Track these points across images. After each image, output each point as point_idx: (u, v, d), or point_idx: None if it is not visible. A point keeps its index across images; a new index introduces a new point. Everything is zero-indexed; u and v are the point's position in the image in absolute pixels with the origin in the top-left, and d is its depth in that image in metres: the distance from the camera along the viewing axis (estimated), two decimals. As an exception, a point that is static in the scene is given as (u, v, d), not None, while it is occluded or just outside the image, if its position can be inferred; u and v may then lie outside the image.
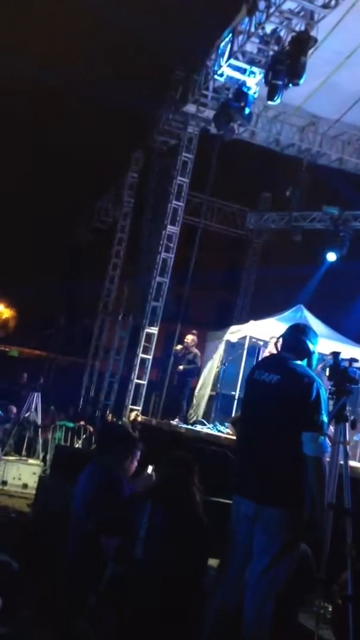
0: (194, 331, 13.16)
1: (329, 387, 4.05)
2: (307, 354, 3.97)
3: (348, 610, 3.59)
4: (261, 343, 12.44)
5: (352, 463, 4.80)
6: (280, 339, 4.10)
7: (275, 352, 4.31)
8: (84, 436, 12.61)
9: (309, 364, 3.98)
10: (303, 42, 9.11)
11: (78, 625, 4.09)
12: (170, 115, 14.29)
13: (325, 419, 3.68)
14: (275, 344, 4.11)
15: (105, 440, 5.69)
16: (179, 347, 12.70)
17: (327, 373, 4.12)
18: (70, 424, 12.94)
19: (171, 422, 12.01)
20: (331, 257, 14.71)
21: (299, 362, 3.92)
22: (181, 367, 12.39)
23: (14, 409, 12.78)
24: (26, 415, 12.38)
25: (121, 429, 7.82)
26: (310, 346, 3.99)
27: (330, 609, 4.14)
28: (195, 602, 3.87)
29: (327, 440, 3.71)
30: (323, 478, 3.66)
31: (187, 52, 12.88)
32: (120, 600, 3.93)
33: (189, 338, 12.50)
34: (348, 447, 4.06)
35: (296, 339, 4.01)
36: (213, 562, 4.27)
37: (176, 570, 3.85)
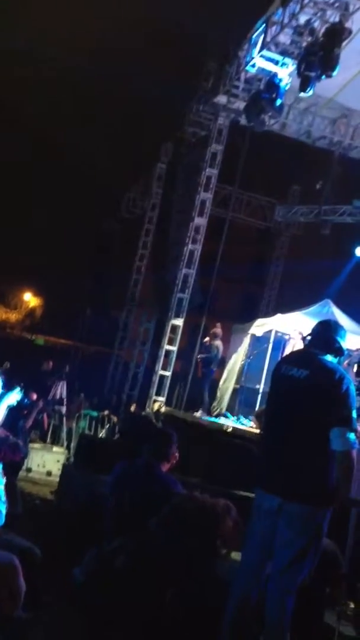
0: (218, 323, 13.18)
1: (357, 383, 4.02)
2: (336, 350, 3.94)
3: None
4: (287, 337, 12.37)
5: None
6: (309, 335, 4.06)
7: (301, 347, 4.27)
8: (108, 425, 12.70)
9: (338, 361, 3.95)
10: (337, 34, 8.98)
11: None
12: (201, 106, 14.22)
13: (354, 414, 3.65)
14: (303, 339, 4.07)
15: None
16: (207, 339, 12.83)
17: (355, 369, 4.08)
18: (95, 413, 13.05)
19: (194, 414, 12.02)
20: (360, 251, 14.57)
21: (328, 357, 3.89)
22: (199, 356, 12.61)
23: (35, 396, 12.87)
24: (52, 402, 12.49)
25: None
26: (339, 342, 3.96)
27: (352, 606, 4.12)
28: (208, 590, 3.88)
29: (356, 436, 3.68)
30: (350, 473, 3.63)
31: (220, 42, 12.78)
32: (133, 577, 3.98)
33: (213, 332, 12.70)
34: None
35: (325, 335, 3.97)
36: (235, 555, 4.27)
37: (182, 555, 3.87)
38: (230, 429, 9.79)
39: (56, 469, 10.22)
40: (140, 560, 4.04)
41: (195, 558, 3.98)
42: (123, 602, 3.96)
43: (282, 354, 11.60)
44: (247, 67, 11.52)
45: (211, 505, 4.21)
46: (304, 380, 3.77)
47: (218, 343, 12.99)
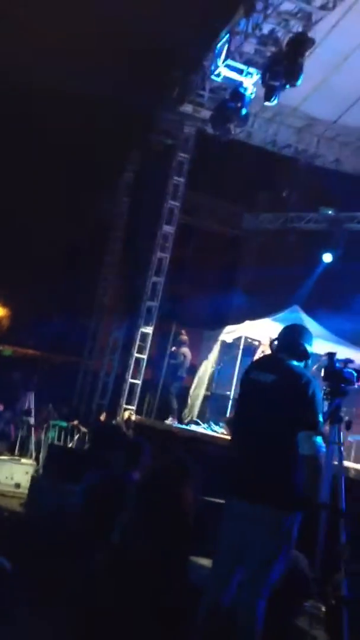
0: (183, 330, 13.26)
1: (324, 387, 4.05)
2: (303, 354, 3.97)
3: (343, 612, 3.59)
4: (257, 343, 12.46)
5: (346, 463, 4.81)
6: (276, 340, 4.10)
7: (269, 352, 4.31)
8: (77, 435, 12.60)
9: (305, 365, 3.99)
10: (300, 44, 9.12)
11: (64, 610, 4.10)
12: (167, 115, 14.27)
13: (320, 418, 3.68)
14: (270, 345, 4.10)
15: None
16: (174, 347, 12.90)
17: (322, 374, 4.12)
18: (64, 424, 12.93)
19: (165, 422, 12.02)
20: (327, 258, 14.75)
21: (295, 362, 3.92)
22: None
23: (1, 407, 12.71)
24: (19, 413, 12.37)
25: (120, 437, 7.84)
26: (307, 347, 3.99)
27: (323, 609, 4.15)
28: (178, 595, 3.87)
29: (323, 440, 3.71)
30: (318, 477, 3.67)
31: (185, 52, 12.85)
32: (107, 587, 3.95)
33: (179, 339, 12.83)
34: (342, 447, 4.07)
35: (292, 340, 4.01)
36: (206, 561, 4.27)
37: (154, 558, 3.86)
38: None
39: (25, 480, 10.09)
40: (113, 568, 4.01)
41: (170, 546, 3.96)
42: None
43: (253, 360, 11.68)
44: (212, 77, 11.61)
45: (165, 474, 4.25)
46: (271, 385, 3.80)
47: (184, 350, 13.07)
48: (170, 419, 12.10)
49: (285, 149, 14.09)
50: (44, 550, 5.29)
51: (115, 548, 4.04)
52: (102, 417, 14.18)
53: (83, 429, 12.76)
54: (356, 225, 14.78)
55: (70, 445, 12.22)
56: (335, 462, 3.92)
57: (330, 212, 14.83)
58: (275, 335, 4.13)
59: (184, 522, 4.08)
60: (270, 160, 14.69)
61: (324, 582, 3.85)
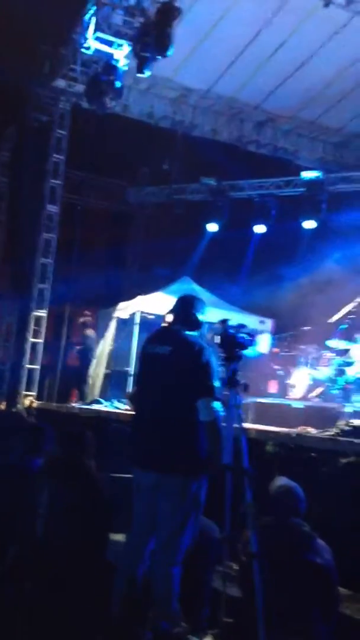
0: (86, 312, 13.14)
1: (220, 354, 4.14)
2: (197, 324, 4.05)
3: (254, 567, 3.73)
4: (152, 317, 12.52)
5: (246, 425, 4.97)
6: (170, 312, 4.14)
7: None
8: (-22, 427, 12.22)
9: (200, 334, 4.06)
10: (168, 13, 9.12)
11: None
12: (41, 90, 13.86)
13: (217, 384, 3.78)
14: (164, 318, 4.15)
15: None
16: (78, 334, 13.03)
17: (217, 341, 4.21)
18: None
19: (67, 405, 11.92)
20: (212, 227, 15.00)
21: (189, 332, 3.98)
22: (76, 348, 12.68)
23: None
24: None
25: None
26: (200, 316, 4.07)
27: (235, 568, 4.29)
28: (100, 575, 3.92)
29: (221, 405, 3.81)
30: (219, 440, 3.77)
31: (53, 25, 12.48)
32: (23, 580, 3.92)
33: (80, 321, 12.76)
34: (241, 410, 4.18)
35: (185, 311, 4.07)
36: (120, 537, 4.30)
37: (77, 545, 3.88)
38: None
39: None
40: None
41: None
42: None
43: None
44: (83, 50, 11.36)
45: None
46: (167, 357, 3.85)
47: (90, 332, 13.04)
48: (80, 402, 12.14)
49: (162, 121, 14.08)
50: None
51: (37, 540, 4.00)
52: (2, 406, 13.84)
53: (-17, 421, 12.39)
54: (237, 194, 15.09)
55: (-30, 438, 11.84)
56: (236, 425, 4.03)
57: (211, 182, 15.03)
58: (169, 308, 4.17)
59: (95, 493, 4.11)
60: (149, 133, 14.64)
61: (234, 541, 3.98)
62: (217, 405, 3.75)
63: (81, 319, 13.64)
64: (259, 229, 14.46)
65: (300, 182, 13.99)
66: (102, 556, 4.14)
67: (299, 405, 10.07)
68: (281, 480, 4.06)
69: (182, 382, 3.78)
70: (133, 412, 4.20)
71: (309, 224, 13.59)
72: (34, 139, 14.49)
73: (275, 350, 12.34)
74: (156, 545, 3.72)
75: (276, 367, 11.76)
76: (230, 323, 4.23)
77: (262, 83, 13.03)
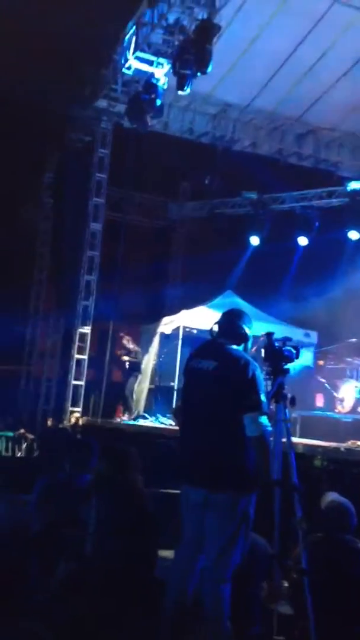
0: (121, 334, 13.32)
1: (265, 367, 4.11)
2: (243, 337, 4.01)
3: (305, 584, 3.67)
4: (195, 332, 12.54)
5: (294, 439, 4.91)
6: (216, 325, 4.13)
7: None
8: (25, 444, 12.41)
9: (245, 348, 4.03)
10: (207, 30, 9.19)
11: (27, 627, 4.04)
12: (83, 112, 14.11)
13: (263, 398, 3.73)
14: (210, 331, 4.13)
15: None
16: (119, 352, 12.99)
17: (263, 354, 4.18)
18: (10, 434, 12.71)
19: (112, 420, 12.00)
20: (254, 240, 14.97)
21: (234, 346, 3.96)
22: (127, 360, 12.80)
23: None
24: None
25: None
26: (246, 330, 4.04)
27: (286, 585, 4.23)
28: (149, 592, 3.90)
29: (268, 420, 3.77)
30: (267, 456, 3.72)
31: (94, 47, 12.71)
32: (73, 597, 3.92)
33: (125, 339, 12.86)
34: (289, 424, 4.14)
35: (230, 324, 4.05)
36: (168, 553, 4.28)
37: (127, 563, 3.87)
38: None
39: (-23, 496, 9.84)
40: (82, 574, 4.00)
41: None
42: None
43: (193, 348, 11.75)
44: (124, 70, 11.56)
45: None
46: (212, 372, 3.83)
47: (134, 347, 13.21)
48: (127, 416, 12.23)
49: (203, 137, 14.17)
50: (3, 565, 5.19)
51: (87, 558, 4.02)
52: (49, 423, 14.01)
53: (30, 437, 12.57)
54: (279, 206, 15.05)
55: (19, 454, 12.01)
56: (284, 440, 3.99)
57: (252, 195, 15.03)
58: (213, 322, 4.16)
59: (142, 509, 4.10)
60: (189, 149, 14.75)
61: (284, 558, 3.93)
62: (264, 420, 3.70)
63: (124, 340, 13.77)
64: (302, 241, 14.36)
65: (343, 192, 13.87)
66: (152, 573, 4.12)
67: (347, 418, 9.92)
68: (331, 496, 4.00)
69: (228, 396, 3.75)
70: (178, 428, 4.18)
71: (354, 235, 13.42)
72: (76, 159, 14.74)
73: (321, 363, 12.20)
74: (206, 563, 3.68)
75: (322, 380, 11.62)
76: (276, 336, 4.20)
77: (302, 96, 13.02)
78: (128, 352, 13.45)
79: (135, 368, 13.30)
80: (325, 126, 14.12)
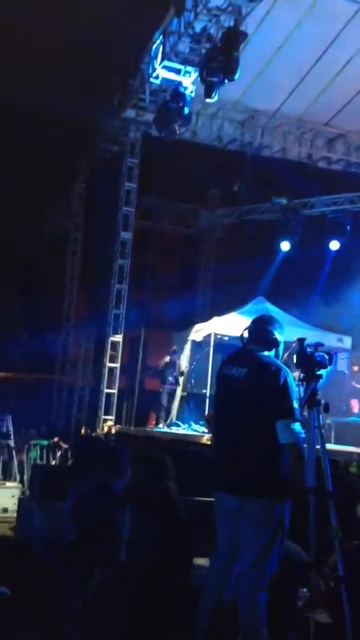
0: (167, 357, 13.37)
1: (298, 374, 4.08)
2: (274, 344, 3.99)
3: (342, 592, 3.62)
4: (226, 338, 12.52)
5: (328, 446, 4.86)
6: (246, 332, 4.11)
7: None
8: (59, 452, 12.50)
9: (276, 354, 4.01)
10: (234, 38, 9.19)
11: (65, 631, 4.07)
12: (111, 122, 14.25)
13: (296, 405, 3.71)
14: (241, 337, 4.12)
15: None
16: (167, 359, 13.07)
17: (295, 360, 4.15)
18: (45, 442, 12.81)
19: (145, 428, 12.04)
20: (285, 246, 14.91)
21: (265, 353, 3.94)
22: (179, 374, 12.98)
23: None
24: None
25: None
26: (277, 336, 4.01)
27: (323, 592, 4.18)
28: (184, 600, 3.89)
29: (301, 426, 3.74)
30: (301, 463, 3.70)
31: (121, 57, 12.84)
32: (109, 604, 3.94)
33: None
34: (323, 430, 4.10)
35: (262, 330, 4.03)
36: (203, 561, 4.28)
37: (162, 570, 3.88)
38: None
39: (12, 504, 9.93)
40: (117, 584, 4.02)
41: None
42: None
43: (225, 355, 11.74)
44: (151, 79, 11.64)
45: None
46: (244, 379, 3.81)
47: (167, 358, 13.26)
48: (162, 424, 12.28)
49: (231, 144, 14.19)
50: (41, 573, 5.25)
51: (121, 566, 4.04)
52: (82, 431, 14.10)
53: (64, 445, 12.66)
54: (309, 211, 14.96)
55: (53, 463, 12.11)
56: (318, 446, 3.95)
57: (282, 200, 14.98)
58: (245, 328, 4.15)
59: (176, 516, 4.10)
60: (217, 156, 14.77)
61: (320, 566, 3.89)
62: (297, 426, 3.68)
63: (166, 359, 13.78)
64: (334, 245, 14.26)
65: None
66: (187, 581, 4.12)
67: (382, 424, 9.79)
68: (367, 503, 3.95)
69: (261, 404, 3.73)
70: (211, 435, 4.18)
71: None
72: (106, 169, 14.88)
73: (355, 368, 12.07)
74: (242, 570, 3.66)
75: (357, 385, 11.50)
76: (308, 342, 4.16)
77: (330, 100, 12.95)
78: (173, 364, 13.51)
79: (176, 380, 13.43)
80: (355, 129, 14.02)
